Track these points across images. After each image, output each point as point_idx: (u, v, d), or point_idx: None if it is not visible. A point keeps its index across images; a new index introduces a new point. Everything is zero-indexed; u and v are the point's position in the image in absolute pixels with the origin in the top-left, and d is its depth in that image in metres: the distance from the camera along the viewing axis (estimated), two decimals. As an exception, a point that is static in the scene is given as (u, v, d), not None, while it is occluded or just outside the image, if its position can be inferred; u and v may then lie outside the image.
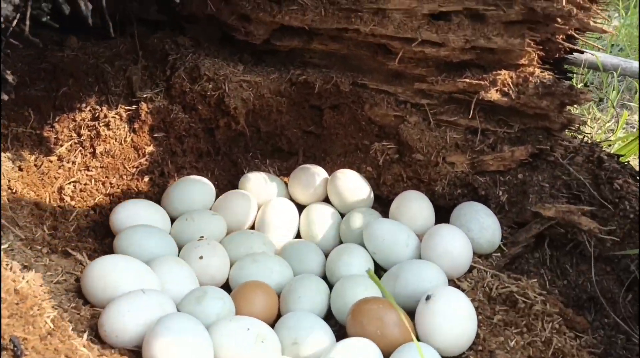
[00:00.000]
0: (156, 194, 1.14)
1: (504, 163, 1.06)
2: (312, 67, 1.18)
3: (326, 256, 1.04)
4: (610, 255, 0.96)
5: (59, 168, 1.11)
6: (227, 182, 1.21)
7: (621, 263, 0.97)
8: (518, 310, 0.89)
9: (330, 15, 1.09)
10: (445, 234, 0.98)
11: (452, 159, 1.09)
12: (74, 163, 1.11)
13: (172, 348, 0.73)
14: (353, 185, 1.11)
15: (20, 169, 1.08)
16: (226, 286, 0.97)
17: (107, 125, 1.14)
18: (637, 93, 1.86)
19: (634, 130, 1.69)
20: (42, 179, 1.09)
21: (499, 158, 1.06)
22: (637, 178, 0.98)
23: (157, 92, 1.19)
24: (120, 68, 1.22)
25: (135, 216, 1.02)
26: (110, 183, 1.12)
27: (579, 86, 1.49)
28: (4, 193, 1.00)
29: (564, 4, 0.96)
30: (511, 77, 1.04)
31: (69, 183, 1.10)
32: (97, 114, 1.15)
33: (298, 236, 1.11)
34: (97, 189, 1.11)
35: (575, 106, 1.18)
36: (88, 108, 1.16)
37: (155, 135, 1.16)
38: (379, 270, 1.01)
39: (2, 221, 0.92)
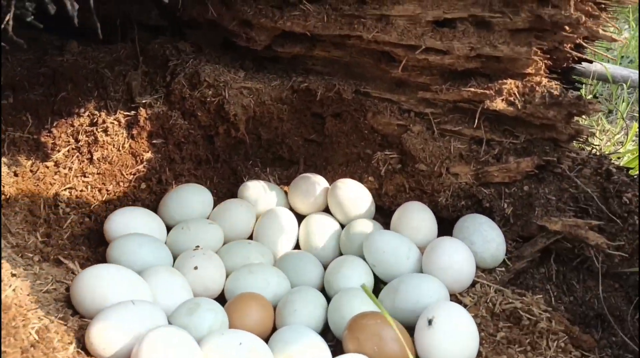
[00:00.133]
0: (153, 202, 1.12)
1: (509, 174, 1.04)
2: (315, 75, 1.17)
3: (325, 268, 1.01)
4: (618, 271, 0.94)
5: (55, 173, 1.09)
6: (226, 190, 1.19)
7: (630, 279, 0.94)
8: (522, 327, 0.86)
9: (333, 22, 1.07)
10: (448, 247, 0.95)
11: (456, 170, 1.07)
12: (70, 168, 1.10)
13: (160, 362, 0.70)
14: (354, 195, 1.08)
15: (16, 174, 1.07)
16: (222, 298, 0.95)
17: (105, 131, 1.13)
18: (638, 103, 1.83)
19: (644, 142, 1.65)
20: (38, 185, 1.07)
21: (504, 169, 1.04)
22: (638, 189, 0.96)
23: (157, 98, 1.17)
24: (120, 73, 1.20)
25: (130, 224, 1.00)
26: (107, 190, 1.10)
27: (588, 97, 1.46)
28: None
29: (572, 11, 0.94)
30: (517, 87, 1.01)
31: (65, 189, 1.08)
32: (96, 119, 1.14)
33: (297, 246, 1.08)
34: (93, 196, 1.09)
35: (583, 117, 1.16)
36: (86, 113, 1.15)
37: (154, 141, 1.15)
38: (379, 283, 0.98)
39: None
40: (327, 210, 1.12)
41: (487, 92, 1.02)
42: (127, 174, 1.12)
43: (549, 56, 1.02)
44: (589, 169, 1.02)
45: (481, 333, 0.85)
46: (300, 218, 1.11)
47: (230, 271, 0.97)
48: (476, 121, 1.04)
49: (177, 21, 1.23)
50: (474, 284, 0.95)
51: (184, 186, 1.11)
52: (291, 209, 1.13)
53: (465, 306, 0.90)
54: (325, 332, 0.90)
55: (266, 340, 0.83)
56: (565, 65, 1.05)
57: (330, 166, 1.18)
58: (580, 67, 1.13)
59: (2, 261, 0.81)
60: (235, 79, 1.15)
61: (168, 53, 1.21)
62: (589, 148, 1.10)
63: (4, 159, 1.08)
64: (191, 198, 1.08)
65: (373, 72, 1.12)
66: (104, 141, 1.12)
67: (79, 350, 0.74)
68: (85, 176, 1.10)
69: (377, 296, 0.94)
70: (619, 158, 1.44)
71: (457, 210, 1.07)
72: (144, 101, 1.15)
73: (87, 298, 0.80)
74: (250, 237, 1.09)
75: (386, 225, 1.08)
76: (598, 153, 1.08)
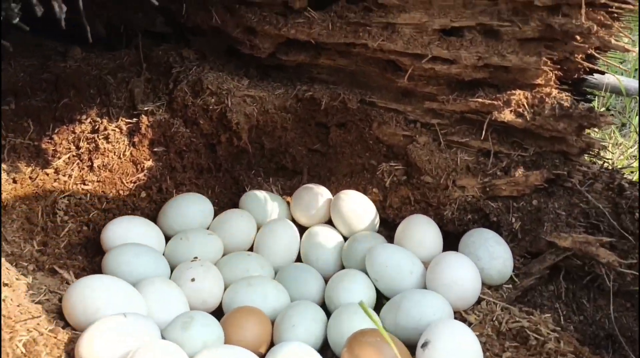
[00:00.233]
0: (153, 211, 1.11)
1: (517, 188, 1.01)
2: (319, 83, 1.15)
3: (326, 281, 0.98)
4: (630, 289, 0.92)
5: (55, 181, 1.08)
6: (227, 200, 1.17)
7: (642, 299, 0.91)
8: (529, 347, 0.83)
9: (338, 29, 1.05)
10: (453, 262, 0.93)
11: (463, 182, 1.04)
12: (70, 176, 1.08)
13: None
14: (357, 207, 1.06)
15: (15, 181, 1.06)
16: (219, 311, 0.93)
17: (106, 138, 1.11)
18: (638, 112, 1.79)
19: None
20: (36, 192, 1.06)
21: (512, 183, 1.01)
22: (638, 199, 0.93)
23: (159, 105, 1.16)
24: (123, 80, 1.20)
25: (128, 233, 0.98)
26: (106, 198, 1.09)
27: (600, 110, 1.43)
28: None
29: (583, 20, 0.91)
30: (526, 98, 0.99)
31: (64, 197, 1.06)
32: (97, 126, 1.13)
33: (299, 259, 1.06)
34: (92, 204, 1.07)
35: (595, 129, 1.13)
36: (88, 120, 1.14)
37: (155, 149, 1.13)
38: (382, 299, 0.96)
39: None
40: (330, 222, 1.10)
41: (495, 103, 1.00)
42: (127, 183, 1.11)
43: (559, 66, 1.00)
44: (600, 183, 1.00)
45: (486, 353, 0.82)
46: (302, 229, 1.09)
47: (229, 284, 0.95)
48: (484, 132, 1.02)
49: (181, 28, 1.22)
50: (479, 301, 0.93)
51: (183, 196, 1.09)
52: (293, 220, 1.10)
53: (469, 324, 0.87)
54: (325, 349, 0.87)
55: (263, 356, 0.81)
56: (576, 76, 1.03)
57: (334, 177, 1.16)
58: (592, 78, 1.10)
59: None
60: (238, 87, 1.13)
61: (172, 60, 1.20)
62: (601, 162, 1.07)
63: (3, 166, 1.06)
64: (191, 208, 1.06)
65: (379, 81, 1.10)
66: (104, 148, 1.11)
67: (68, 364, 0.72)
68: (85, 184, 1.09)
69: (379, 312, 0.91)
70: (632, 172, 1.40)
71: (463, 224, 1.04)
72: (146, 108, 1.14)
73: (79, 310, 0.78)
74: (251, 249, 1.06)
75: (390, 239, 1.06)
76: (610, 167, 1.06)
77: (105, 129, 1.12)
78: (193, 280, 0.91)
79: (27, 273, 0.88)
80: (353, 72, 1.11)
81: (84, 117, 1.14)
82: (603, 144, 1.05)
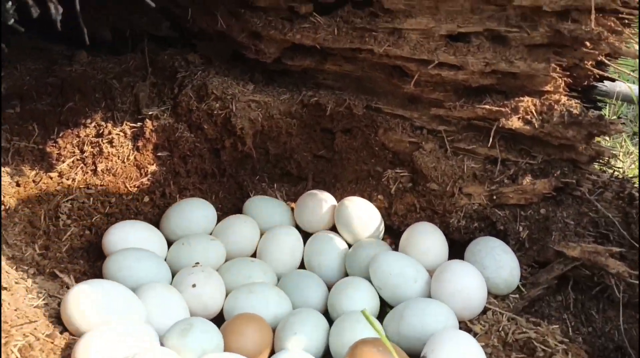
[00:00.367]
0: (156, 216, 1.10)
1: (525, 196, 1.00)
2: (325, 89, 1.15)
3: (330, 289, 0.97)
4: (641, 301, 0.89)
5: (58, 184, 1.07)
6: (231, 205, 1.16)
7: (653, 310, 0.89)
8: (536, 359, 0.82)
9: (344, 35, 1.04)
10: (458, 271, 0.92)
11: (469, 190, 1.03)
12: (74, 180, 1.08)
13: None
14: (362, 214, 1.05)
15: (18, 184, 1.05)
16: (220, 317, 0.91)
17: (110, 142, 1.11)
18: (638, 118, 1.77)
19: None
20: (39, 195, 1.05)
21: (519, 191, 1.00)
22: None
23: (164, 109, 1.15)
24: (128, 84, 1.19)
25: (130, 238, 0.97)
26: (110, 202, 1.08)
27: (612, 118, 1.41)
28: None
29: (593, 26, 0.90)
30: (535, 105, 0.98)
31: (67, 201, 1.05)
32: (102, 130, 1.13)
33: (302, 266, 1.05)
34: (95, 208, 1.06)
35: (605, 138, 1.11)
36: (93, 124, 1.14)
37: (159, 154, 1.13)
38: (385, 307, 0.94)
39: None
40: (334, 229, 1.09)
41: (503, 109, 0.98)
42: (130, 187, 1.10)
43: (568, 73, 0.98)
44: (610, 192, 0.98)
45: (491, 364, 0.80)
46: (306, 236, 1.08)
47: (231, 290, 0.94)
48: (491, 139, 1.00)
49: (187, 33, 1.21)
50: (485, 311, 0.91)
51: (187, 201, 1.08)
52: (297, 226, 1.09)
53: (475, 334, 0.86)
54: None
55: (262, 364, 0.79)
56: (586, 83, 1.01)
57: (339, 183, 1.15)
58: (603, 86, 1.08)
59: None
60: (243, 92, 1.13)
61: (177, 65, 1.20)
62: (611, 171, 1.05)
63: (7, 169, 1.06)
64: (194, 213, 1.05)
65: (385, 87, 1.09)
66: (108, 152, 1.10)
67: (64, 370, 0.71)
68: (88, 188, 1.08)
69: (382, 320, 0.90)
70: (643, 181, 1.38)
71: (469, 232, 1.03)
72: (150, 113, 1.13)
73: (77, 315, 0.77)
74: (254, 255, 1.05)
75: (395, 246, 1.04)
76: (620, 176, 1.04)
77: (110, 133, 1.12)
78: (194, 285, 0.90)
79: (26, 277, 0.87)
80: (359, 77, 1.10)
81: (88, 121, 1.14)
82: (613, 152, 1.03)
